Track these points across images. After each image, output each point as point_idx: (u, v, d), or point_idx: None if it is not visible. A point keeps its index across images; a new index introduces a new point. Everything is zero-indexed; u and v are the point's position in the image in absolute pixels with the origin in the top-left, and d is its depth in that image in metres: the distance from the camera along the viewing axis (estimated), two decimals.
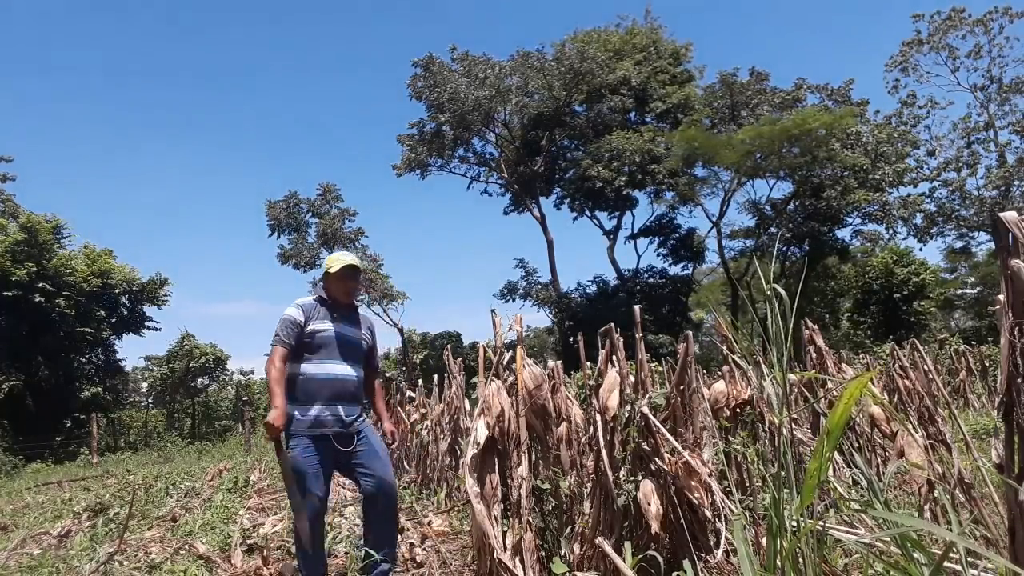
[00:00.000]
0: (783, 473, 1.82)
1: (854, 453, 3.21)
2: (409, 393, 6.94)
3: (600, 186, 24.67)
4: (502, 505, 2.55)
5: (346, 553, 3.71)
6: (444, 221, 78.71)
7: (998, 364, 1.68)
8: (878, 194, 24.61)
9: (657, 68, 27.32)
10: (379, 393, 3.39)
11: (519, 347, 2.78)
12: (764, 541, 2.15)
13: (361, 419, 3.08)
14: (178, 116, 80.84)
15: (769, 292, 1.79)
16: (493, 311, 2.97)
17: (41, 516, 6.64)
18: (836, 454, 3.47)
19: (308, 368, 2.96)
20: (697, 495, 2.58)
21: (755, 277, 23.77)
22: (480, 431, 2.63)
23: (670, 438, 2.65)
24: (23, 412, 17.70)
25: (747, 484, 3.38)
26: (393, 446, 3.24)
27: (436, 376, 6.17)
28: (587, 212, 28.81)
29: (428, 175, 29.13)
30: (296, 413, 2.91)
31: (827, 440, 1.56)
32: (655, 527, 2.49)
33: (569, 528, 3.15)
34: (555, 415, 2.94)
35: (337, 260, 3.13)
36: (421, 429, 6.44)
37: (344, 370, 3.02)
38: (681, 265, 29.23)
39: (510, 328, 2.85)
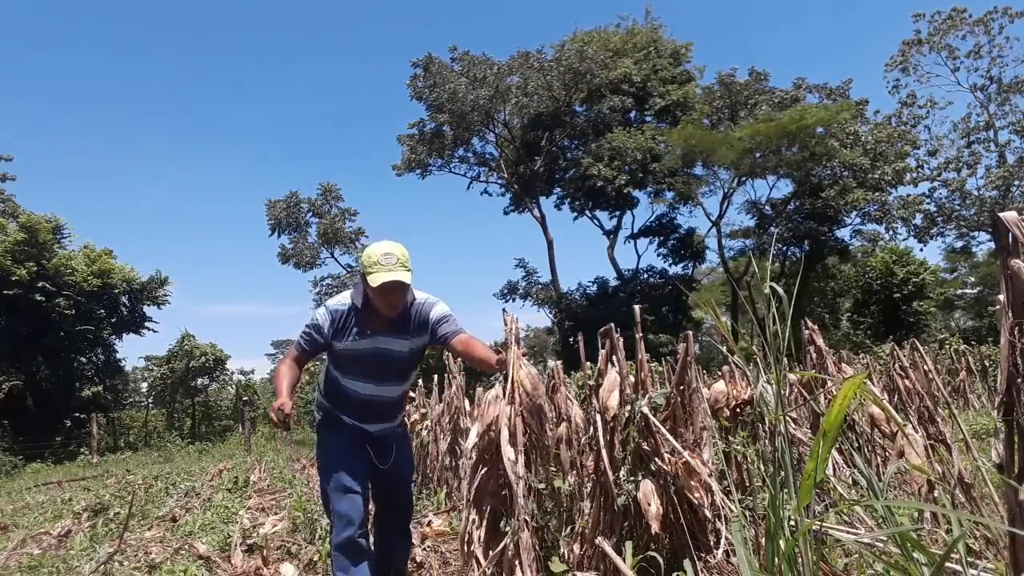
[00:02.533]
0: (781, 473, 1.82)
1: (854, 453, 3.21)
2: (409, 393, 6.94)
3: (601, 185, 24.70)
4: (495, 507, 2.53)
5: None
6: (444, 221, 78.82)
7: (998, 364, 1.68)
8: (877, 194, 24.64)
9: (657, 67, 27.36)
10: (472, 346, 2.69)
11: (514, 347, 2.75)
12: (764, 541, 2.15)
13: (394, 434, 2.86)
14: (178, 116, 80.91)
15: (767, 292, 1.79)
16: (504, 310, 2.90)
17: (41, 516, 6.64)
18: (836, 454, 3.47)
19: (339, 378, 2.70)
20: (697, 495, 2.58)
21: (755, 277, 23.78)
22: (471, 439, 2.58)
23: (670, 438, 2.65)
24: (23, 412, 17.70)
25: (747, 484, 3.38)
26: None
27: (436, 376, 6.18)
28: (587, 212, 28.85)
29: (428, 175, 29.20)
30: (326, 403, 2.73)
31: (824, 440, 1.56)
32: (655, 527, 2.49)
33: (569, 528, 3.15)
34: (554, 415, 2.93)
35: (376, 267, 2.45)
36: (421, 429, 6.45)
37: (377, 391, 2.70)
38: (681, 265, 29.29)
39: (508, 329, 2.79)
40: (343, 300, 2.63)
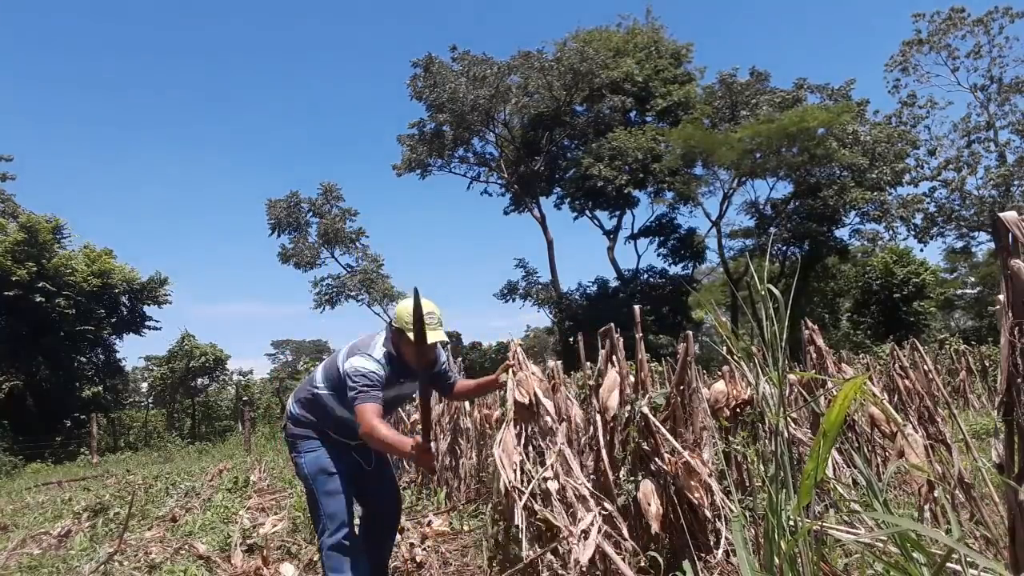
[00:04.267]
0: (781, 473, 1.82)
1: (854, 453, 3.21)
2: None
3: (601, 184, 24.68)
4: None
5: None
6: (444, 221, 78.85)
7: (998, 364, 1.68)
8: (876, 193, 24.64)
9: (658, 67, 27.36)
10: (466, 385, 3.08)
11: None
12: (764, 541, 2.15)
13: (372, 457, 2.87)
14: (178, 116, 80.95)
15: (764, 292, 1.79)
16: (510, 339, 2.95)
17: (41, 516, 6.64)
18: (836, 454, 3.47)
19: (335, 409, 2.69)
20: (697, 495, 2.58)
21: (755, 277, 23.72)
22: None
23: (670, 438, 2.65)
24: (23, 412, 17.70)
25: (747, 484, 3.38)
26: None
27: None
28: (587, 212, 28.85)
29: (428, 175, 29.19)
30: (309, 416, 2.70)
31: (823, 441, 1.56)
32: (655, 527, 2.49)
33: None
34: (554, 415, 2.96)
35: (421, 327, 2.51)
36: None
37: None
38: (681, 265, 29.29)
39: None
40: (380, 350, 2.61)
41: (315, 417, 2.72)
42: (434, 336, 2.55)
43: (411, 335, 2.51)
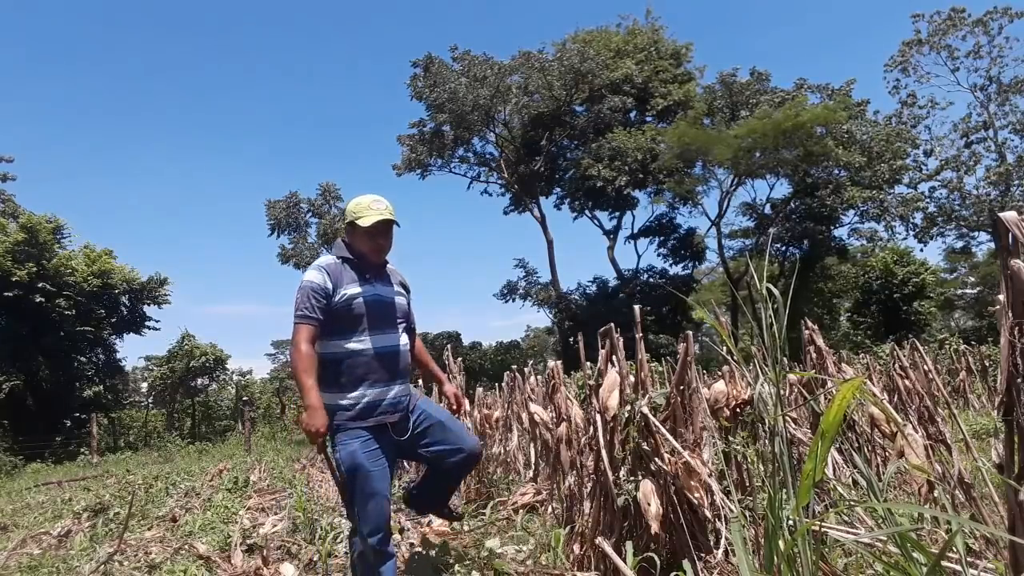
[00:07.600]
0: (780, 473, 1.82)
1: (854, 453, 3.21)
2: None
3: (601, 185, 24.70)
4: None
5: (346, 553, 3.70)
6: (444, 221, 78.78)
7: (998, 364, 1.68)
8: (874, 192, 24.65)
9: (658, 67, 27.38)
10: (427, 355, 3.00)
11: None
12: (763, 541, 2.15)
13: (410, 396, 2.66)
14: (178, 116, 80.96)
15: (763, 292, 1.79)
16: None
17: (41, 516, 6.64)
18: (836, 454, 3.47)
19: (350, 345, 2.45)
20: (697, 495, 2.58)
21: (755, 277, 23.72)
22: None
23: (670, 438, 2.65)
24: (23, 412, 17.69)
25: (747, 484, 3.38)
26: (460, 412, 2.94)
27: None
28: (587, 212, 28.89)
29: (428, 175, 29.21)
30: (340, 401, 2.43)
31: (822, 441, 1.56)
32: (655, 527, 2.49)
33: (569, 528, 3.15)
34: (554, 415, 2.95)
35: (368, 210, 2.53)
36: None
37: (392, 340, 2.55)
38: (681, 265, 29.32)
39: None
40: (327, 258, 2.56)
41: (337, 389, 2.45)
42: (383, 216, 2.53)
43: (361, 221, 2.50)
